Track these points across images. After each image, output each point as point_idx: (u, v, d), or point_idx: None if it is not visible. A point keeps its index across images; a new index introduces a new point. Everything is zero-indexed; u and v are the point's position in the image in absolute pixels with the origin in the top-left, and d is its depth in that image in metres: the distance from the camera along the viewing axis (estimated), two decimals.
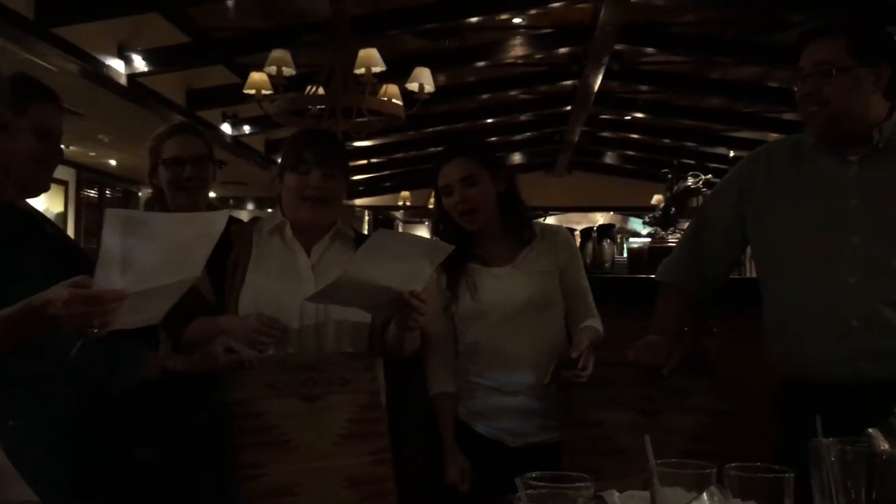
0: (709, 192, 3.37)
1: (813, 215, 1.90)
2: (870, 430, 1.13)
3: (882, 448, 1.09)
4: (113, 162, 10.45)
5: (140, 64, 6.84)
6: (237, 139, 9.37)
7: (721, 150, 11.97)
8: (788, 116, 9.88)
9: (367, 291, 1.77)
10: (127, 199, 12.57)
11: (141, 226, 1.45)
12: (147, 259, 1.43)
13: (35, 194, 1.85)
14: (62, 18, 5.72)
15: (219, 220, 1.59)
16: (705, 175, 4.04)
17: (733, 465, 1.04)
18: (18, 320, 1.40)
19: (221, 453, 1.85)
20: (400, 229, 17.45)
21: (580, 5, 7.14)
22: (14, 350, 1.45)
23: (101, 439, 1.82)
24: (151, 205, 2.45)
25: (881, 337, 1.79)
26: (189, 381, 1.84)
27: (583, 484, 0.96)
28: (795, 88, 1.91)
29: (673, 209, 4.10)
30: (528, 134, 12.53)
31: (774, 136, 9.64)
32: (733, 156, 11.46)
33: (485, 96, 9.82)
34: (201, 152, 2.41)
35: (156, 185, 2.43)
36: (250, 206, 14.79)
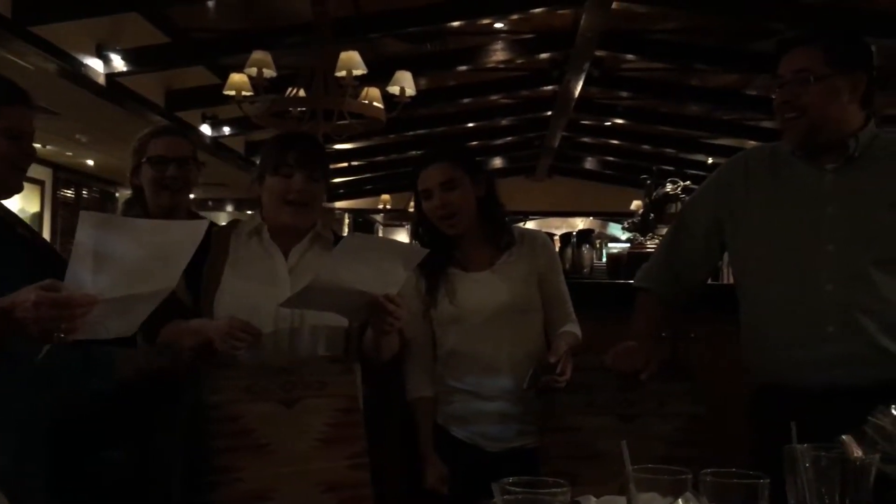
0: (687, 198, 3.40)
1: (789, 223, 1.92)
2: (843, 436, 1.14)
3: (855, 455, 1.11)
4: (90, 162, 10.35)
5: (119, 64, 6.77)
6: (217, 140, 9.31)
7: (700, 157, 12.07)
8: (767, 124, 9.98)
9: (342, 295, 1.76)
10: (104, 200, 12.44)
11: (117, 229, 1.41)
12: (121, 265, 1.40)
13: (8, 196, 1.82)
14: (40, 17, 5.66)
15: (198, 228, 1.56)
16: (684, 181, 4.07)
17: (709, 470, 1.05)
18: None
19: (191, 457, 1.84)
20: (380, 232, 17.43)
21: (561, 11, 7.18)
22: None
23: (73, 442, 1.80)
24: (131, 205, 2.43)
25: (857, 344, 1.81)
26: (159, 382, 1.83)
27: (559, 490, 0.96)
28: (774, 96, 1.93)
29: (652, 215, 4.13)
30: (509, 138, 12.56)
31: (753, 143, 9.72)
32: (712, 162, 11.58)
33: (466, 100, 9.84)
34: (186, 154, 2.41)
35: (136, 184, 2.42)
36: (229, 208, 14.70)
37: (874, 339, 1.80)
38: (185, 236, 1.54)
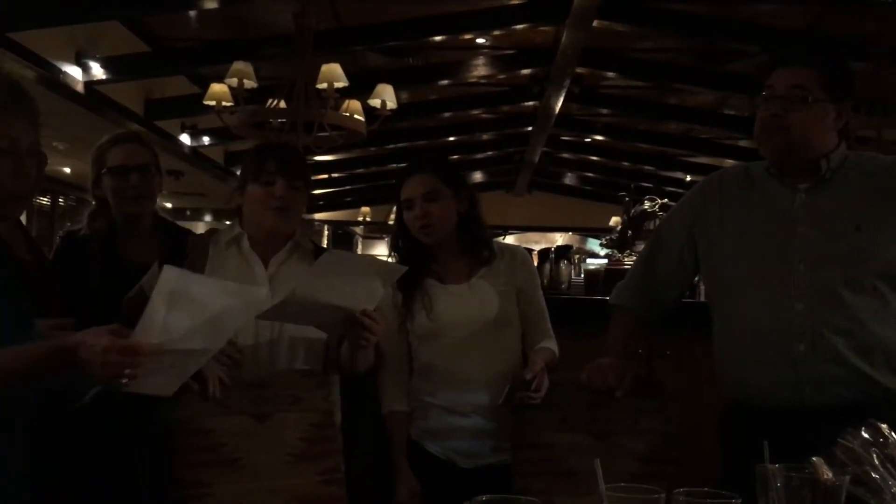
0: (664, 215, 3.42)
1: (761, 241, 1.93)
2: (814, 458, 1.14)
3: (826, 477, 1.11)
4: (67, 170, 10.25)
5: (98, 72, 6.73)
6: (196, 150, 9.26)
7: (678, 175, 12.18)
8: (744, 143, 10.10)
9: (319, 310, 1.75)
10: (80, 208, 12.32)
11: (189, 287, 1.46)
12: (188, 320, 1.44)
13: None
14: (19, 23, 5.62)
15: (259, 295, 1.64)
16: (662, 198, 4.10)
17: (682, 490, 1.05)
18: (43, 357, 1.40)
19: (162, 471, 1.81)
20: (359, 245, 17.40)
21: (543, 28, 7.23)
22: (28, 383, 1.43)
23: (48, 457, 1.77)
24: (94, 217, 2.38)
25: (827, 363, 1.82)
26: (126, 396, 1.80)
27: None
28: (759, 108, 1.92)
29: (630, 232, 4.15)
30: (490, 153, 12.61)
31: (730, 161, 9.84)
32: (690, 180, 11.67)
33: (447, 114, 9.88)
34: (147, 161, 2.36)
35: (99, 196, 2.38)
36: (208, 218, 14.60)
37: (845, 358, 1.81)
38: (247, 301, 1.59)
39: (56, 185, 11.31)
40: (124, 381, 1.38)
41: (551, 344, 2.18)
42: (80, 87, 6.66)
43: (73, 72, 6.57)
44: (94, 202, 2.41)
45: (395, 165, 11.78)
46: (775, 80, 1.89)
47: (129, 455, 2.03)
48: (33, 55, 5.88)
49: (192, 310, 1.46)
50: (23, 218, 1.99)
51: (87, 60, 6.64)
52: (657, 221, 3.96)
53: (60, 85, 6.42)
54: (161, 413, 1.76)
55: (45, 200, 11.20)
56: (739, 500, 1.03)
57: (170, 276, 1.45)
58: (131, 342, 1.37)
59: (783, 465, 1.13)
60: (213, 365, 1.75)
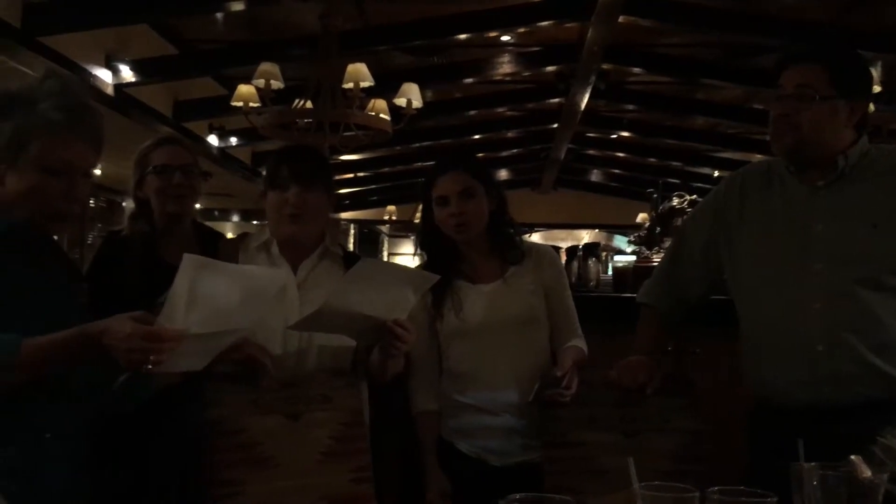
0: (690, 212, 3.39)
1: (780, 240, 1.92)
2: (852, 456, 1.13)
3: (864, 475, 1.10)
4: (97, 172, 10.34)
5: (127, 74, 6.81)
6: (223, 151, 9.34)
7: (706, 170, 12.07)
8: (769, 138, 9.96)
9: (351, 319, 1.76)
10: (111, 210, 12.47)
11: (213, 271, 1.51)
12: (211, 305, 1.49)
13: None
14: (49, 27, 5.70)
15: (280, 279, 1.71)
16: (690, 195, 4.07)
17: (716, 488, 1.04)
18: (72, 343, 1.44)
19: (194, 470, 1.83)
20: (385, 243, 17.44)
21: (568, 24, 7.20)
22: (60, 371, 1.48)
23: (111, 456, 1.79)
24: (135, 218, 2.42)
25: (845, 362, 1.81)
26: (156, 397, 1.83)
27: None
28: (770, 108, 1.92)
29: (658, 229, 4.12)
30: (515, 151, 12.58)
31: (759, 156, 9.72)
32: (718, 175, 11.57)
33: (472, 113, 9.86)
34: (189, 161, 2.41)
35: (140, 198, 2.41)
36: (235, 218, 14.73)
37: (863, 357, 1.80)
38: (268, 284, 1.64)
39: None
40: (149, 366, 1.41)
41: (580, 342, 2.18)
42: (109, 90, 6.75)
43: (103, 75, 6.65)
44: (134, 204, 2.45)
45: (420, 164, 11.80)
46: (785, 79, 1.88)
47: (160, 455, 2.05)
48: (64, 59, 5.96)
49: (214, 295, 1.49)
50: None
51: (116, 63, 6.73)
52: (685, 218, 3.94)
53: (91, 88, 6.51)
54: (195, 413, 1.78)
55: None
56: (775, 499, 1.02)
57: (190, 264, 1.48)
58: (154, 328, 1.41)
59: (818, 463, 1.13)
60: (255, 346, 1.78)
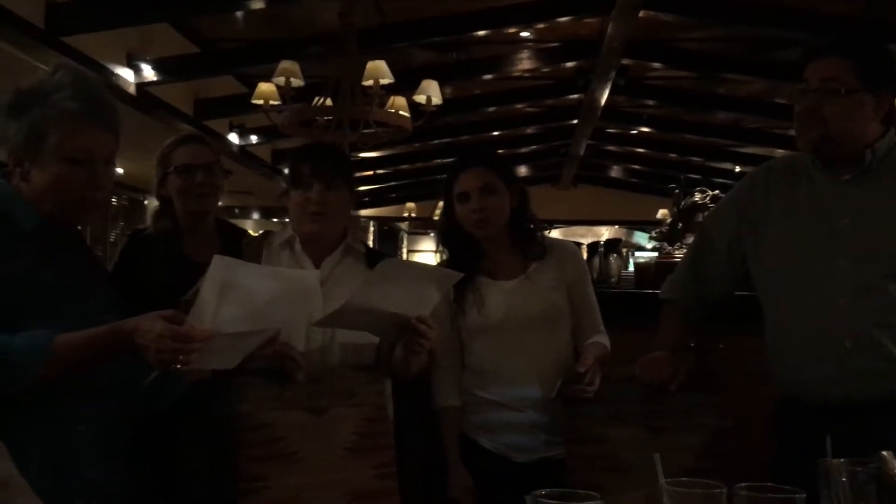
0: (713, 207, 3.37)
1: (805, 235, 1.90)
2: (883, 452, 1.12)
3: (895, 471, 1.09)
4: (120, 170, 10.45)
5: (149, 73, 6.87)
6: (244, 149, 9.39)
7: (727, 166, 11.98)
8: (794, 133, 9.87)
9: (374, 316, 1.77)
10: (133, 208, 12.57)
11: (243, 272, 1.54)
12: (240, 305, 1.51)
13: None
14: (73, 27, 5.76)
15: (310, 280, 1.73)
16: (712, 191, 4.04)
17: (743, 485, 1.03)
18: (104, 341, 1.47)
19: (216, 466, 1.85)
20: (404, 240, 17.46)
21: (587, 20, 7.17)
22: (92, 367, 1.51)
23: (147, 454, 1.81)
24: (159, 217, 2.44)
25: (872, 359, 1.79)
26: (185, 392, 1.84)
27: (591, 502, 0.96)
28: (795, 102, 1.90)
29: (680, 224, 4.09)
30: (534, 147, 12.55)
31: (781, 151, 9.62)
32: (739, 171, 11.47)
33: (491, 109, 9.85)
34: (211, 160, 2.42)
35: (164, 196, 2.43)
36: (255, 216, 14.80)
37: (891, 354, 1.78)
38: (297, 286, 1.67)
39: None
40: (179, 365, 1.43)
41: (603, 338, 2.17)
42: (131, 89, 6.80)
43: (126, 74, 6.71)
44: (158, 202, 2.47)
45: (439, 161, 11.80)
46: (809, 73, 1.86)
47: (188, 449, 2.07)
48: (87, 58, 6.01)
49: (243, 295, 1.52)
50: None
51: (138, 62, 6.78)
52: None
53: (113, 87, 6.56)
54: (221, 408, 1.79)
55: None
56: (804, 496, 1.01)
57: (220, 265, 1.50)
58: (184, 329, 1.43)
59: (847, 459, 1.12)
60: (287, 346, 1.79)
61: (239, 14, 7.07)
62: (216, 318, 1.49)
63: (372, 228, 15.99)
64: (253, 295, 1.54)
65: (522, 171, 13.54)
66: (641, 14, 6.37)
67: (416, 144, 10.55)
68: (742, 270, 2.06)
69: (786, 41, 7.13)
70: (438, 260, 2.39)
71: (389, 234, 16.92)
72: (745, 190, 2.06)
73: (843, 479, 1.09)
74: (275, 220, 15.03)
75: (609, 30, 6.71)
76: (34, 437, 1.48)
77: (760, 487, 1.02)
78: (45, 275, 1.55)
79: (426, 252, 17.27)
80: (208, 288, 1.48)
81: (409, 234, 17.58)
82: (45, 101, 1.57)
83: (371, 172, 12.41)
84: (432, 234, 16.88)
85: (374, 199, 14.67)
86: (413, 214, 14.15)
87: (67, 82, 1.59)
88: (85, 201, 1.61)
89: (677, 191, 4.33)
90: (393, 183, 13.97)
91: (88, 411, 1.57)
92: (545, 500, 0.93)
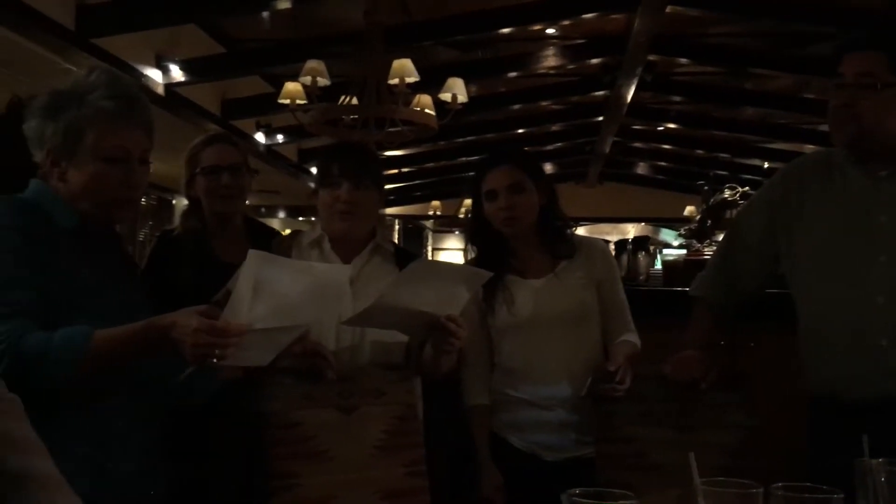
0: (743, 204, 3.34)
1: (841, 232, 1.88)
2: None
3: None
4: None
5: (177, 74, 6.93)
6: (270, 148, 9.45)
7: (756, 162, 11.85)
8: (824, 128, 9.64)
9: (404, 315, 1.77)
10: (161, 207, 12.70)
11: (274, 269, 1.54)
12: (275, 299, 1.52)
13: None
14: (102, 29, 5.83)
15: (342, 274, 1.74)
16: (742, 187, 4.00)
17: (780, 484, 1.02)
18: (141, 336, 1.49)
19: (248, 465, 1.86)
20: (430, 238, 17.47)
21: (613, 16, 7.12)
22: (130, 362, 1.53)
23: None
24: (187, 216, 2.46)
25: None
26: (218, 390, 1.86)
27: (626, 501, 0.95)
28: (830, 97, 1.88)
29: (709, 221, 4.07)
30: (559, 144, 12.49)
31: (810, 147, 9.53)
32: (768, 167, 11.34)
33: (516, 107, 9.82)
34: (238, 161, 2.44)
35: (192, 196, 2.45)
36: (282, 215, 14.90)
37: None
38: (329, 280, 1.68)
39: None
40: (214, 360, 1.44)
41: (633, 337, 2.16)
42: (160, 90, 6.87)
43: (154, 75, 6.78)
44: (187, 201, 2.49)
45: (464, 159, 11.79)
46: (844, 67, 1.84)
47: (221, 447, 2.09)
48: (116, 60, 6.08)
49: (277, 290, 1.52)
50: None
51: (166, 63, 6.85)
52: (737, 210, 3.88)
53: (142, 88, 6.61)
54: (253, 405, 1.81)
55: None
56: (842, 496, 1.00)
57: (255, 260, 1.51)
58: (219, 323, 1.44)
59: (885, 459, 1.10)
60: (318, 344, 1.81)
61: (265, 14, 7.10)
62: (251, 312, 1.50)
63: (397, 227, 16.04)
64: (286, 290, 1.55)
65: (548, 168, 13.45)
66: (668, 9, 6.32)
67: (441, 142, 10.55)
68: (774, 268, 2.04)
69: (815, 35, 7.03)
70: (465, 258, 2.39)
71: (414, 233, 16.95)
72: (777, 186, 2.04)
73: (882, 479, 1.08)
74: (301, 219, 15.11)
75: (636, 25, 6.66)
76: (74, 432, 1.50)
77: (798, 487, 1.01)
78: (83, 273, 1.58)
79: (451, 250, 17.28)
80: (243, 283, 1.49)
81: (434, 232, 17.60)
82: (81, 102, 1.59)
83: (396, 171, 12.43)
84: (457, 233, 16.88)
85: (399, 198, 14.69)
86: (438, 212, 14.14)
87: (102, 82, 1.61)
88: (120, 200, 1.63)
89: (706, 188, 4.30)
90: (418, 181, 13.98)
91: (127, 407, 1.59)
92: (580, 500, 0.93)
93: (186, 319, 1.44)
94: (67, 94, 1.61)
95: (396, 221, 16.06)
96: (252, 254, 1.53)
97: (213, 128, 7.54)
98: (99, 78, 1.62)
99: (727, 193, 3.95)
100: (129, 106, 1.63)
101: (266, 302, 1.51)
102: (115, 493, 1.53)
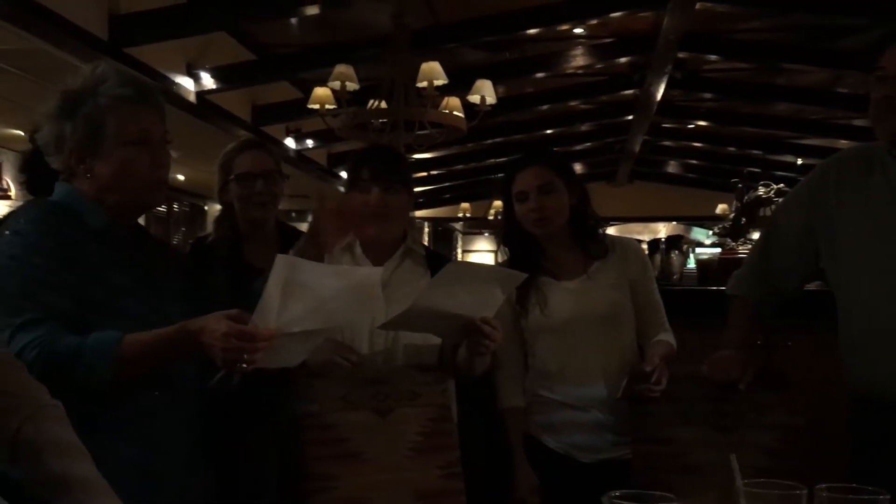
0: (780, 201, 3.29)
1: (883, 227, 1.85)
2: None
3: None
4: (181, 177, 10.70)
5: (208, 81, 7.00)
6: (300, 153, 9.51)
7: (788, 158, 11.70)
8: (859, 122, 9.59)
9: (439, 318, 1.77)
10: (194, 214, 12.86)
11: (302, 274, 1.55)
12: (303, 304, 1.53)
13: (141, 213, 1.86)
14: (134, 38, 5.91)
15: (373, 276, 1.73)
16: (776, 184, 3.95)
17: (824, 485, 1.01)
18: (171, 340, 1.50)
19: (286, 464, 1.87)
20: (459, 241, 17.48)
21: (642, 14, 7.08)
22: (162, 365, 1.55)
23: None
24: (220, 222, 2.48)
25: None
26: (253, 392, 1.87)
27: (667, 503, 0.95)
28: (873, 89, 1.85)
29: (743, 219, 4.02)
30: (589, 144, 12.43)
31: (844, 142, 9.37)
32: (801, 163, 11.19)
33: (544, 107, 9.79)
34: (271, 167, 2.44)
35: (226, 201, 2.46)
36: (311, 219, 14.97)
37: None
38: (358, 283, 1.68)
39: (171, 191, 11.83)
40: (243, 364, 1.45)
41: (668, 336, 2.14)
42: (192, 98, 6.94)
43: (186, 83, 6.85)
44: (220, 206, 2.50)
45: (493, 161, 11.77)
46: (887, 60, 1.80)
47: (257, 449, 2.11)
48: (149, 69, 6.16)
49: (306, 294, 1.53)
50: (141, 223, 2.10)
51: (197, 71, 6.92)
52: (772, 208, 3.83)
53: (174, 96, 6.71)
54: (287, 408, 1.82)
55: (161, 207, 11.72)
56: (888, 497, 0.98)
57: (283, 264, 1.52)
58: (249, 328, 1.45)
59: None
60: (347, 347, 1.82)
61: (294, 20, 7.15)
62: (280, 317, 1.51)
63: (427, 229, 16.07)
64: (316, 293, 1.56)
65: (577, 168, 13.36)
66: (698, 6, 6.26)
67: (470, 144, 10.55)
68: (813, 265, 2.01)
69: (848, 28, 6.93)
70: (496, 260, 2.38)
71: (444, 235, 16.97)
72: (815, 181, 2.01)
73: None
74: None
75: (665, 23, 6.61)
76: (120, 435, 1.52)
77: (842, 488, 0.99)
78: (115, 274, 1.59)
79: (481, 252, 17.27)
80: (272, 287, 1.50)
81: (464, 234, 17.60)
82: (96, 94, 1.60)
83: (425, 173, 12.45)
84: (487, 234, 16.88)
85: (428, 200, 14.71)
86: (467, 214, 14.14)
87: (111, 73, 1.63)
88: (150, 182, 1.65)
89: (740, 185, 4.24)
90: (447, 183, 13.99)
91: (170, 408, 1.61)
92: (621, 502, 0.92)
93: (216, 324, 1.46)
94: (79, 91, 1.61)
95: (426, 224, 16.09)
96: (280, 258, 1.54)
97: (244, 134, 7.61)
98: (106, 70, 1.64)
99: (761, 191, 3.90)
100: (141, 89, 1.65)
101: (296, 306, 1.52)
102: (159, 493, 1.56)
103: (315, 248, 1.85)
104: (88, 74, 1.63)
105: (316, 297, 1.56)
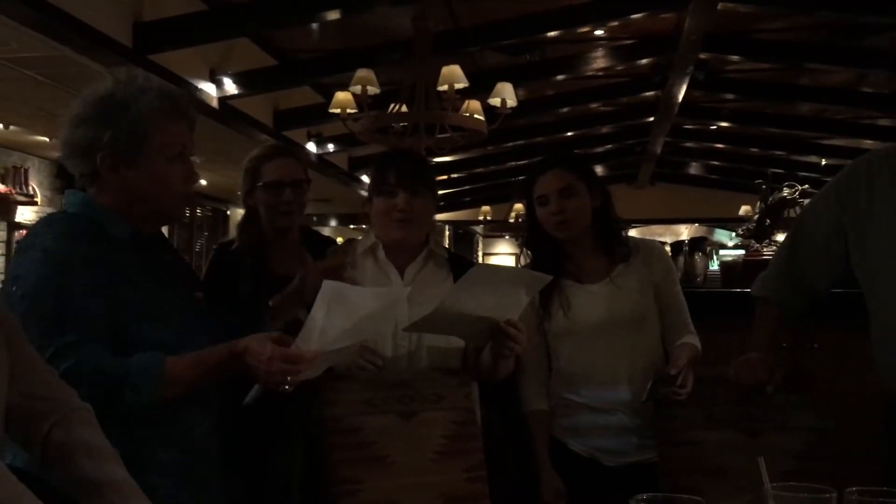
0: (805, 202, 3.27)
1: None
2: None
3: None
4: (203, 182, 10.78)
5: (230, 87, 7.05)
6: (321, 157, 9.56)
7: (813, 159, 11.58)
8: (884, 122, 9.49)
9: (464, 321, 1.77)
10: (216, 218, 12.95)
11: (345, 298, 1.63)
12: (342, 325, 1.60)
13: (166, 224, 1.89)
14: (158, 45, 5.96)
15: (398, 296, 1.82)
16: (801, 185, 3.91)
17: (855, 489, 1.00)
18: (214, 360, 1.54)
19: (311, 468, 1.88)
20: (480, 243, 17.48)
21: (663, 15, 7.04)
22: (204, 384, 1.57)
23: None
24: (244, 228, 2.46)
25: None
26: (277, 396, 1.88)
27: None
28: None
29: (768, 221, 3.98)
30: (610, 146, 12.38)
31: (869, 142, 9.27)
32: (825, 164, 11.07)
33: (565, 109, 9.76)
34: (300, 176, 2.42)
35: (250, 205, 2.45)
36: (333, 223, 15.06)
37: None
38: (389, 302, 1.75)
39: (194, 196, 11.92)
40: (286, 386, 1.50)
41: (693, 339, 2.13)
42: (214, 103, 6.99)
43: (208, 88, 6.90)
44: (244, 210, 2.49)
45: (513, 163, 11.76)
46: None
47: (282, 453, 2.11)
48: (172, 75, 6.22)
49: (345, 315, 1.59)
50: (164, 229, 2.08)
51: (220, 77, 6.97)
52: (797, 209, 3.79)
53: (197, 101, 6.76)
54: (312, 413, 1.83)
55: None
56: None
57: (329, 289, 1.60)
58: (295, 352, 1.50)
59: None
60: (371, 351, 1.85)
61: (315, 25, 7.19)
62: (321, 337, 1.57)
63: (447, 232, 16.08)
64: (353, 314, 1.62)
65: (598, 170, 13.31)
66: (720, 6, 6.22)
67: (490, 147, 10.54)
68: (841, 267, 1.99)
69: (873, 26, 6.85)
70: (517, 263, 2.38)
71: (465, 238, 16.98)
72: (844, 182, 1.99)
73: None
74: (352, 226, 15.25)
75: (687, 23, 6.57)
76: (160, 441, 1.54)
77: (874, 492, 0.98)
78: (144, 284, 1.60)
79: (502, 255, 17.26)
80: (317, 312, 1.57)
81: (485, 237, 17.60)
82: (138, 104, 1.58)
83: (446, 176, 12.47)
84: (508, 237, 16.87)
85: (449, 203, 14.71)
86: (488, 217, 14.14)
87: (148, 84, 1.62)
88: (181, 197, 1.66)
89: (764, 186, 4.20)
90: (468, 186, 14.00)
91: (206, 415, 1.63)
92: None
93: (260, 346, 1.49)
94: (118, 99, 1.58)
95: (447, 227, 16.10)
96: (326, 283, 1.60)
97: (266, 139, 7.66)
98: (143, 81, 1.63)
99: (786, 192, 3.86)
100: (181, 104, 1.66)
101: (334, 325, 1.58)
102: (197, 495, 1.58)
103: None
104: (125, 82, 1.60)
105: (353, 317, 1.62)
